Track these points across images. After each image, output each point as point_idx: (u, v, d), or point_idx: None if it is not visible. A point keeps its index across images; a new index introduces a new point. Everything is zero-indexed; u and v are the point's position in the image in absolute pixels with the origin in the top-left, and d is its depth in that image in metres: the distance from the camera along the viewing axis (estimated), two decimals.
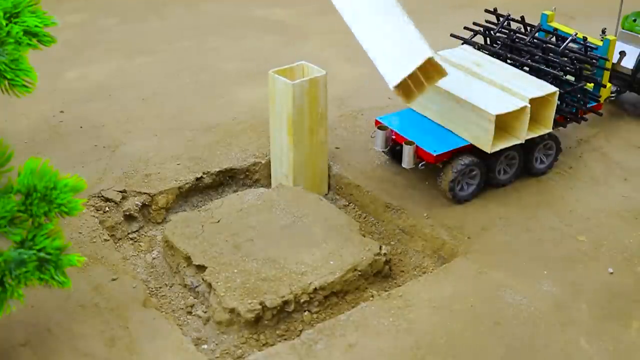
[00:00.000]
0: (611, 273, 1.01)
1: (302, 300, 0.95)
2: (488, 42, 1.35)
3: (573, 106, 1.23)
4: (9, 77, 0.81)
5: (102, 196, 1.32)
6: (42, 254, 0.77)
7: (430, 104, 1.18)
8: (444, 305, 0.93)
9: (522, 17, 1.34)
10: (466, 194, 1.15)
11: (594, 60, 1.23)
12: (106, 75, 1.65)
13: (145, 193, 1.41)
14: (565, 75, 1.23)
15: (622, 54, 1.42)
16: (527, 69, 1.26)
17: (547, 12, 1.39)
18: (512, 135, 1.15)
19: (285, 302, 0.93)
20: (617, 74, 1.42)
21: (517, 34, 1.31)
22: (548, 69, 1.22)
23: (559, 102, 1.19)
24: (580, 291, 0.97)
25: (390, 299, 0.94)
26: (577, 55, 1.23)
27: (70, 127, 1.41)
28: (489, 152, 1.11)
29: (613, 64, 1.38)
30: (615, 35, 1.39)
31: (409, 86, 1.03)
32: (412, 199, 1.17)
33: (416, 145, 1.13)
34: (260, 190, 1.15)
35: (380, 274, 1.03)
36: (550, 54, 1.24)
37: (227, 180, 1.27)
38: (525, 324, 0.91)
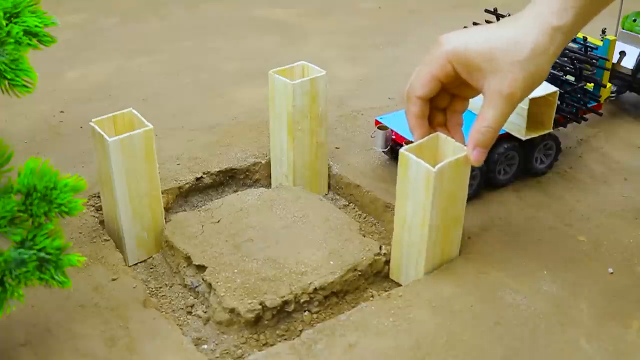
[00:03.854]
0: (611, 273, 1.01)
1: (302, 300, 0.95)
2: None
3: (573, 106, 1.23)
4: (9, 77, 0.81)
5: None
6: (42, 254, 0.77)
7: None
8: (444, 305, 0.93)
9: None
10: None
11: (594, 60, 1.23)
12: (106, 75, 1.65)
13: None
14: (565, 75, 1.23)
15: (622, 54, 1.42)
16: None
17: None
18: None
19: (285, 302, 0.93)
20: (617, 74, 1.43)
21: None
22: None
23: (559, 102, 1.20)
24: (580, 291, 0.97)
25: (390, 299, 0.95)
26: (577, 55, 1.23)
27: (70, 127, 1.41)
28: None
29: (613, 64, 1.38)
30: (615, 35, 1.39)
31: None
32: None
33: None
34: (260, 190, 1.15)
35: (380, 274, 1.03)
36: None
37: (227, 180, 1.27)
38: (525, 324, 0.91)
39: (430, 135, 0.93)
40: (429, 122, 0.94)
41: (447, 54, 0.85)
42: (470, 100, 0.95)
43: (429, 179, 0.88)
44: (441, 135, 0.93)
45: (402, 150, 0.91)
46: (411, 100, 0.90)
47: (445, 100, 0.93)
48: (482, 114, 0.84)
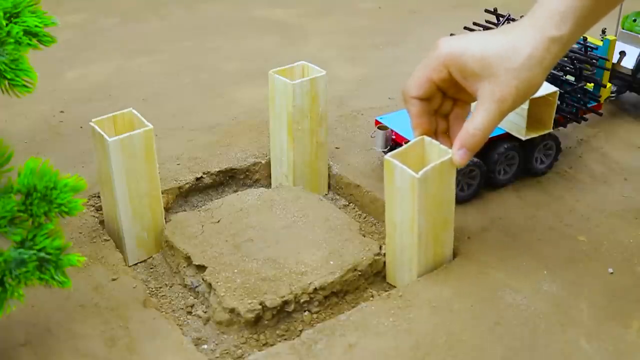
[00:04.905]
0: (611, 273, 1.01)
1: (302, 300, 0.95)
2: None
3: (573, 106, 1.23)
4: (9, 77, 0.81)
5: None
6: (42, 254, 0.77)
7: None
8: (444, 305, 0.93)
9: (522, 17, 1.34)
10: (466, 194, 1.16)
11: (594, 60, 1.23)
12: (106, 75, 1.65)
13: None
14: (565, 75, 1.23)
15: (622, 54, 1.42)
16: None
17: None
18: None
19: (285, 302, 0.93)
20: (617, 74, 1.43)
21: None
22: None
23: (559, 102, 1.20)
24: (580, 291, 0.97)
25: (390, 299, 0.95)
26: (577, 55, 1.23)
27: (70, 127, 1.41)
28: None
29: (613, 64, 1.38)
30: (615, 35, 1.39)
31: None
32: None
33: None
34: (260, 190, 1.15)
35: (380, 274, 1.03)
36: None
37: (227, 180, 1.27)
38: (525, 324, 0.91)
39: (416, 139, 0.93)
40: (434, 131, 0.94)
41: (444, 57, 0.85)
42: (473, 105, 0.95)
43: (413, 185, 0.88)
44: (426, 139, 0.93)
45: (386, 157, 0.91)
46: (407, 100, 0.90)
47: (448, 106, 0.93)
48: (473, 117, 0.85)
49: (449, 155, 0.90)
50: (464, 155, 0.86)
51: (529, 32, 0.82)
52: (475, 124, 0.84)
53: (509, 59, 0.81)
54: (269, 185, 1.26)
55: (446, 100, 0.92)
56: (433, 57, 0.87)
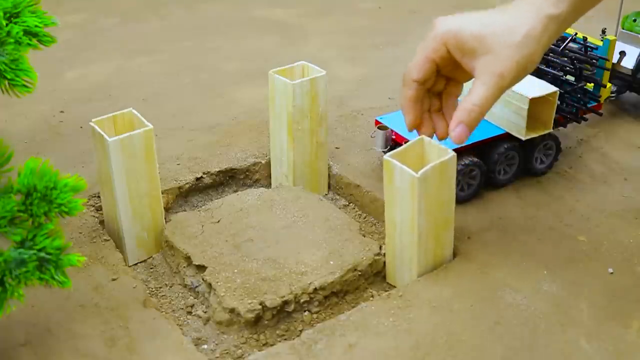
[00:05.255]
0: (611, 273, 1.01)
1: (302, 300, 0.95)
2: None
3: (573, 106, 1.23)
4: (9, 77, 0.81)
5: None
6: (42, 254, 0.77)
7: None
8: (444, 305, 0.93)
9: None
10: (466, 194, 1.16)
11: (594, 60, 1.23)
12: (106, 75, 1.65)
13: None
14: (565, 75, 1.23)
15: (622, 54, 1.42)
16: None
17: None
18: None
19: (285, 302, 0.93)
20: (617, 74, 1.43)
21: None
22: (548, 69, 1.22)
23: (559, 102, 1.20)
24: (580, 291, 0.97)
25: (390, 299, 0.95)
26: (577, 55, 1.23)
27: (70, 127, 1.41)
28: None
29: (613, 64, 1.39)
30: (615, 35, 1.39)
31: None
32: None
33: None
34: (260, 190, 1.15)
35: (380, 274, 1.03)
36: (550, 54, 1.25)
37: (227, 180, 1.27)
38: (525, 324, 0.91)
39: (415, 139, 0.93)
40: (427, 110, 0.94)
41: (441, 35, 0.86)
42: (465, 86, 0.95)
43: (413, 184, 0.88)
44: (426, 139, 0.93)
45: (386, 157, 0.91)
46: (407, 83, 0.90)
47: (441, 84, 0.94)
48: (471, 93, 0.85)
49: (449, 155, 0.90)
50: (462, 131, 0.85)
51: (526, 10, 0.83)
52: (473, 99, 0.84)
53: (507, 36, 0.82)
54: (269, 185, 1.26)
55: (440, 78, 0.93)
56: (431, 37, 0.87)
